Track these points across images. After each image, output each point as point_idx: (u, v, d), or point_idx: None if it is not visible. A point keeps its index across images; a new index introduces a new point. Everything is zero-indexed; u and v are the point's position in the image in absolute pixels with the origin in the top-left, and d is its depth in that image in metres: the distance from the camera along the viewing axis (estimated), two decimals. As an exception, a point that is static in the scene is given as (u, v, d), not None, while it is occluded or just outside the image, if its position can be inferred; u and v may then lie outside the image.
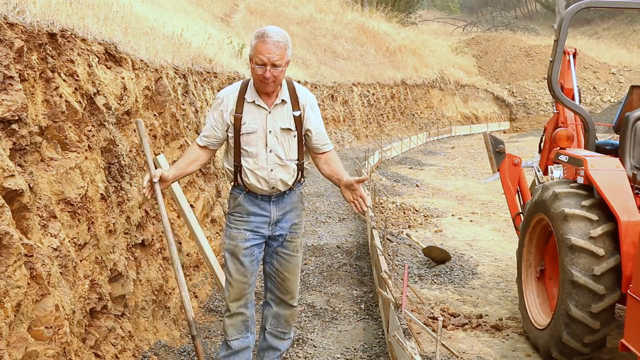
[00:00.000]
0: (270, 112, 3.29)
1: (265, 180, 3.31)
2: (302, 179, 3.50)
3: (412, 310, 5.12)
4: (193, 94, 6.04)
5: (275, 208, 3.41)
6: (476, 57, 35.24)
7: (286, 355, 4.18)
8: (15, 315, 2.38)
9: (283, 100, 3.33)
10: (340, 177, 3.40)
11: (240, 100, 3.29)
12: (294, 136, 3.35)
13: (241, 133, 3.27)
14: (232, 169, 3.36)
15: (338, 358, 4.27)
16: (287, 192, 3.42)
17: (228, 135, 3.32)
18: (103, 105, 3.69)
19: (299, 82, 3.53)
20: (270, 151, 3.29)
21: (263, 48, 3.11)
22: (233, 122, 3.28)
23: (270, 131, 3.29)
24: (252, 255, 3.43)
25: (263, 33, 3.14)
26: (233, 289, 3.43)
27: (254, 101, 3.28)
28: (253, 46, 3.16)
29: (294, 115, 3.34)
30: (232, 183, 3.45)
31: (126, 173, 3.94)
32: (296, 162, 3.38)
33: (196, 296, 5.05)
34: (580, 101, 5.69)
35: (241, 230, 3.40)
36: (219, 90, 7.21)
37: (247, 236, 3.40)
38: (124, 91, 4.06)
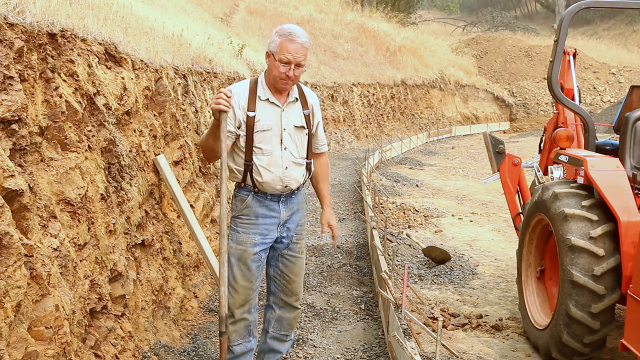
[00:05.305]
0: (283, 109, 3.29)
1: (279, 179, 3.27)
2: (308, 180, 3.51)
3: (412, 311, 5.12)
4: (193, 94, 6.04)
5: (284, 208, 3.38)
6: (476, 57, 35.25)
7: (286, 355, 4.18)
8: (15, 315, 2.37)
9: (296, 99, 3.34)
10: (322, 205, 3.67)
11: (252, 97, 3.25)
12: (306, 134, 3.37)
13: (255, 131, 3.22)
14: (242, 168, 3.28)
15: (338, 358, 4.27)
16: (295, 192, 3.41)
17: (239, 134, 3.25)
18: (103, 105, 3.69)
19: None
20: (285, 149, 3.28)
21: (291, 47, 3.12)
22: (245, 119, 3.23)
23: (284, 129, 3.28)
24: (259, 260, 3.39)
25: (290, 32, 3.15)
26: (238, 295, 3.37)
27: (267, 99, 3.26)
28: (278, 43, 3.15)
29: (304, 114, 3.36)
30: (239, 184, 3.36)
31: (126, 173, 3.94)
32: (306, 160, 3.39)
33: (196, 296, 5.04)
34: (580, 101, 5.69)
35: (250, 235, 3.34)
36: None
37: (257, 241, 3.35)
38: (124, 91, 4.06)
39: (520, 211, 5.61)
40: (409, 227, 8.60)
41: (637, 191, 4.13)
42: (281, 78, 3.18)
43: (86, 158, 3.35)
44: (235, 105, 3.22)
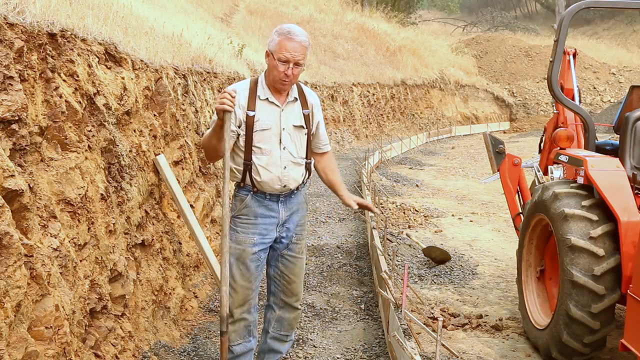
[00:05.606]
0: (283, 109, 3.29)
1: (278, 178, 3.27)
2: (308, 180, 3.51)
3: (412, 311, 5.12)
4: (193, 94, 6.04)
5: (283, 208, 3.38)
6: (476, 57, 35.25)
7: (286, 355, 4.18)
8: (15, 315, 2.37)
9: (295, 98, 3.34)
10: (338, 192, 3.63)
11: (252, 97, 3.26)
12: (305, 134, 3.37)
13: (254, 130, 3.22)
14: (241, 168, 3.28)
15: (338, 358, 4.27)
16: (295, 192, 3.41)
17: (239, 133, 3.25)
18: (103, 105, 3.69)
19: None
20: (284, 148, 3.28)
21: (289, 46, 3.12)
22: (245, 119, 3.23)
23: (284, 128, 3.28)
24: (258, 260, 3.39)
25: (289, 31, 3.15)
26: (237, 294, 3.37)
27: (267, 98, 3.26)
28: (277, 42, 3.15)
29: (303, 114, 3.36)
30: (239, 184, 3.36)
31: (126, 173, 3.94)
32: (305, 160, 3.39)
33: (196, 296, 5.04)
34: (580, 101, 5.69)
35: (249, 234, 3.34)
36: (219, 91, 7.23)
37: (255, 240, 3.34)
38: (124, 91, 4.06)
39: (520, 211, 5.61)
40: (409, 227, 8.60)
41: (637, 191, 4.13)
42: (280, 77, 3.17)
43: (86, 158, 3.35)
44: (235, 105, 3.22)
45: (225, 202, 3.10)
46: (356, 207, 3.58)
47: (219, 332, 4.52)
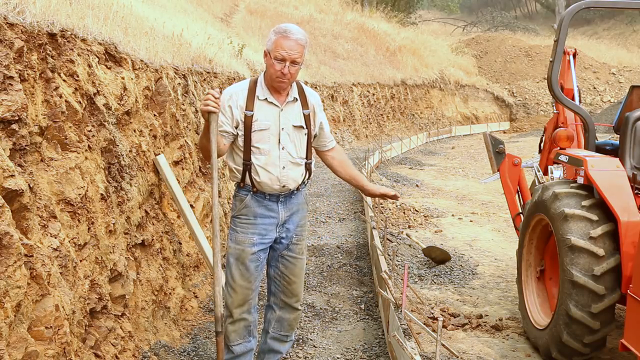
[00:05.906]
0: (282, 109, 3.29)
1: (277, 178, 3.27)
2: (308, 180, 3.50)
3: (412, 311, 5.12)
4: (193, 94, 6.04)
5: (283, 209, 3.38)
6: (476, 57, 35.24)
7: (286, 355, 4.18)
8: (15, 315, 2.38)
9: (295, 99, 3.33)
10: (363, 186, 3.66)
11: (251, 97, 3.25)
12: (305, 134, 3.36)
13: (253, 130, 3.22)
14: (240, 168, 3.29)
15: (338, 358, 4.28)
16: (295, 192, 3.40)
17: (237, 133, 3.25)
18: (103, 105, 3.69)
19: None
20: (283, 148, 3.27)
21: (285, 44, 3.12)
22: (243, 119, 3.22)
23: (282, 128, 3.27)
24: (257, 260, 3.38)
25: (285, 29, 3.16)
26: (237, 294, 3.37)
27: (266, 98, 3.26)
28: (273, 41, 3.16)
29: (304, 114, 3.35)
30: (239, 184, 3.37)
31: (126, 173, 3.94)
32: (305, 160, 3.38)
33: (196, 296, 5.04)
34: (580, 101, 5.69)
35: (248, 234, 3.34)
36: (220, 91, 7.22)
37: (255, 240, 3.34)
38: (124, 91, 4.06)
39: (520, 211, 5.61)
40: (409, 227, 8.60)
41: (637, 191, 4.13)
42: (277, 76, 3.17)
43: (86, 158, 3.35)
44: (233, 105, 3.23)
45: (215, 203, 3.11)
46: (393, 193, 3.60)
47: (215, 332, 4.52)
